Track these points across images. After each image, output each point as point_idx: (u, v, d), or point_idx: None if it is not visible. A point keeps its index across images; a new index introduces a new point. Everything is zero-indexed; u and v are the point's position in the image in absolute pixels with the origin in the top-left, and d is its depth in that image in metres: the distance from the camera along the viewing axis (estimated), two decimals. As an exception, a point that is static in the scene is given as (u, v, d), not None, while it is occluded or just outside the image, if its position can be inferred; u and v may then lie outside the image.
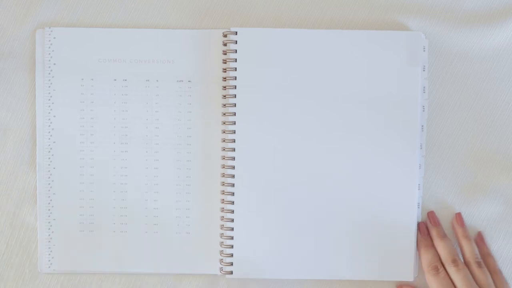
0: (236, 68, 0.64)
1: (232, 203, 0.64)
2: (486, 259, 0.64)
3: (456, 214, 0.66)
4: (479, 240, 0.66)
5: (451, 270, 0.62)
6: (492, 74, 0.66)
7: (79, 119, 0.65)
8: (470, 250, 0.64)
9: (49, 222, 0.65)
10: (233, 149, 0.64)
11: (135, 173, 0.66)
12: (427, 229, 0.65)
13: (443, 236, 0.64)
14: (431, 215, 0.65)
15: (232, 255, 0.64)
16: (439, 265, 0.63)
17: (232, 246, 0.64)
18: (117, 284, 0.66)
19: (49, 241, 0.65)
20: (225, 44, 0.65)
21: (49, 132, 0.65)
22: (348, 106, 0.64)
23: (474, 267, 0.63)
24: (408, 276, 0.65)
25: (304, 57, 0.64)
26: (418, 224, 0.65)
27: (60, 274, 0.66)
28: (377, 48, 0.64)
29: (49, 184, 0.65)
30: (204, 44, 0.66)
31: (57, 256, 0.66)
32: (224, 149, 0.65)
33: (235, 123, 0.64)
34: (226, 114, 0.65)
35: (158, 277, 0.66)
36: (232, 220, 0.64)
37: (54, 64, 0.65)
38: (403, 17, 0.66)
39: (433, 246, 0.64)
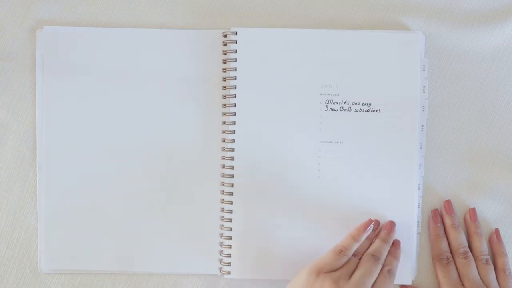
0: (236, 68, 0.64)
1: (231, 202, 0.64)
2: (498, 257, 0.65)
3: (469, 209, 0.66)
4: (496, 237, 0.66)
5: (460, 261, 0.63)
6: (492, 74, 0.66)
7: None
8: (479, 247, 0.64)
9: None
10: (233, 149, 0.64)
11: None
12: (441, 217, 0.65)
13: (457, 226, 0.65)
14: (447, 203, 0.65)
15: (230, 255, 0.64)
16: (449, 256, 0.64)
17: (230, 246, 0.64)
18: (118, 283, 0.66)
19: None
20: (225, 44, 0.65)
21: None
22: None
23: (480, 263, 0.64)
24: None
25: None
26: (432, 211, 0.65)
27: (61, 274, 0.66)
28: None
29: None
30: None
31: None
32: (224, 149, 0.65)
33: (235, 123, 0.64)
34: (226, 114, 0.65)
35: (159, 277, 0.66)
36: (231, 220, 0.64)
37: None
38: (403, 17, 0.66)
39: (444, 235, 0.65)
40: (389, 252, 0.62)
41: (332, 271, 0.59)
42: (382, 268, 0.61)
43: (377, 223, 0.63)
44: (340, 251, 0.60)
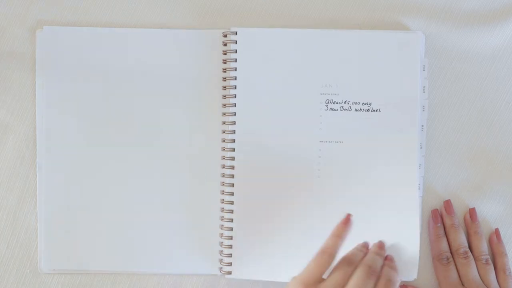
0: (236, 68, 0.64)
1: (232, 203, 0.64)
2: (498, 257, 0.65)
3: (469, 209, 0.66)
4: (496, 237, 0.66)
5: (460, 261, 0.63)
6: (492, 74, 0.66)
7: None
8: (479, 247, 0.64)
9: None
10: (233, 149, 0.64)
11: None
12: (441, 217, 0.65)
13: (457, 226, 0.65)
14: (447, 204, 0.65)
15: (231, 255, 0.64)
16: (449, 256, 0.64)
17: (231, 246, 0.64)
18: (118, 284, 0.66)
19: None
20: (225, 44, 0.65)
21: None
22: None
23: (480, 263, 0.64)
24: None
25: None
26: (432, 211, 0.65)
27: (61, 274, 0.66)
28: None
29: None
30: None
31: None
32: (224, 149, 0.65)
33: (235, 123, 0.64)
34: (226, 114, 0.65)
35: (159, 277, 0.66)
36: (232, 220, 0.64)
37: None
38: (403, 17, 0.66)
39: (444, 235, 0.65)
40: (384, 263, 0.59)
41: (322, 282, 0.55)
42: (380, 281, 0.56)
43: (366, 245, 0.60)
44: (323, 252, 0.56)
